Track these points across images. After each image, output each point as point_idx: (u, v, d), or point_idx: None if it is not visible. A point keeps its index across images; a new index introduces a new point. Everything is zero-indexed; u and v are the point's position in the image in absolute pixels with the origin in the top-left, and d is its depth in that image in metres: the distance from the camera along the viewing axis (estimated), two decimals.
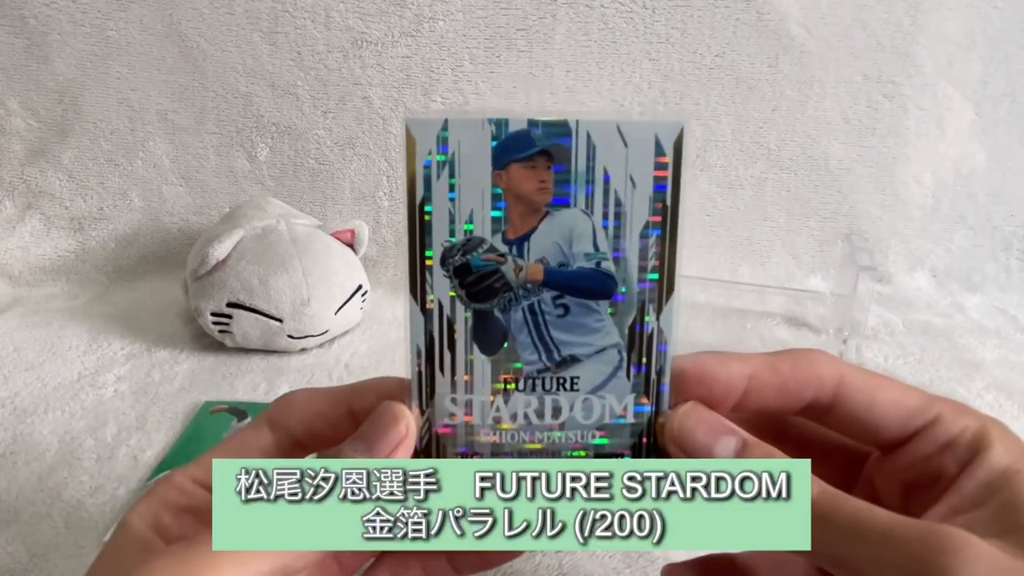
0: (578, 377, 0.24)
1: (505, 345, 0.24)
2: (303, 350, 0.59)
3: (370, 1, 0.70)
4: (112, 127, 0.73)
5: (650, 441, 0.24)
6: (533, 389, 0.24)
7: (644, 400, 0.24)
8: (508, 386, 0.24)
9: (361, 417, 0.24)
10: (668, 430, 0.23)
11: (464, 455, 0.24)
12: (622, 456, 0.24)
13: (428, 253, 0.23)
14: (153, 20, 0.70)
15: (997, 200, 0.77)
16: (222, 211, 0.72)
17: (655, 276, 0.23)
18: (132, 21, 0.70)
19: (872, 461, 0.26)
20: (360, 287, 0.61)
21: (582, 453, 0.25)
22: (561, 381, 0.24)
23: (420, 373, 0.24)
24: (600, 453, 0.24)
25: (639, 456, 0.24)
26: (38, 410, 0.49)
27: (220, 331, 0.57)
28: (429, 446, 0.24)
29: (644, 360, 0.24)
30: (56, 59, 0.71)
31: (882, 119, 0.74)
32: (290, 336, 0.56)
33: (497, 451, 0.24)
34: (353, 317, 0.61)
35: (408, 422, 0.23)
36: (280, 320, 0.56)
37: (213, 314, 0.56)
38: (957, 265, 0.77)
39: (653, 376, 0.24)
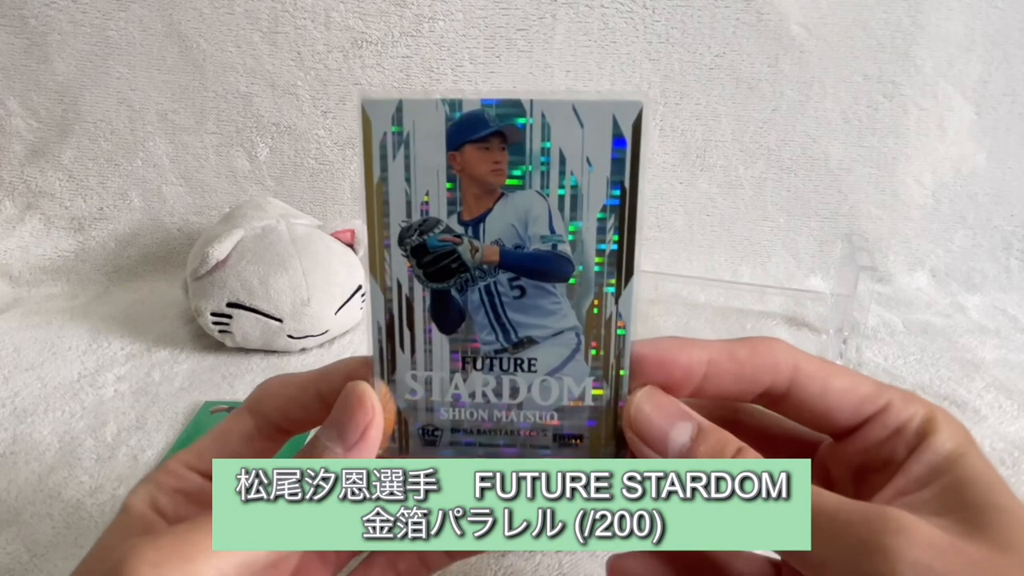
0: (535, 359, 0.24)
1: (463, 325, 0.24)
2: (303, 350, 0.59)
3: (370, 1, 0.70)
4: (112, 127, 0.73)
5: (612, 425, 0.24)
6: (491, 369, 0.24)
7: (603, 383, 0.24)
8: (466, 364, 0.24)
9: (329, 399, 0.25)
10: (625, 414, 0.24)
11: (424, 431, 0.25)
12: (580, 437, 0.25)
13: (385, 232, 0.23)
14: (153, 20, 0.70)
15: (997, 200, 0.77)
16: (222, 211, 0.72)
17: (614, 260, 0.23)
18: (132, 21, 0.70)
19: (825, 448, 0.26)
20: (360, 287, 0.61)
21: (542, 434, 0.25)
22: (518, 362, 0.24)
23: (382, 351, 0.24)
24: (558, 434, 0.25)
25: (596, 439, 0.25)
26: (38, 410, 0.49)
27: (220, 331, 0.57)
28: (392, 418, 0.25)
29: (603, 344, 0.24)
30: (56, 59, 0.71)
31: (882, 119, 0.74)
32: (290, 336, 0.56)
33: (457, 427, 0.25)
34: (353, 317, 0.61)
35: (373, 401, 0.23)
36: (280, 320, 0.56)
37: (213, 314, 0.56)
38: (957, 265, 0.77)
39: (612, 360, 0.24)
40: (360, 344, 0.60)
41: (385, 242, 0.23)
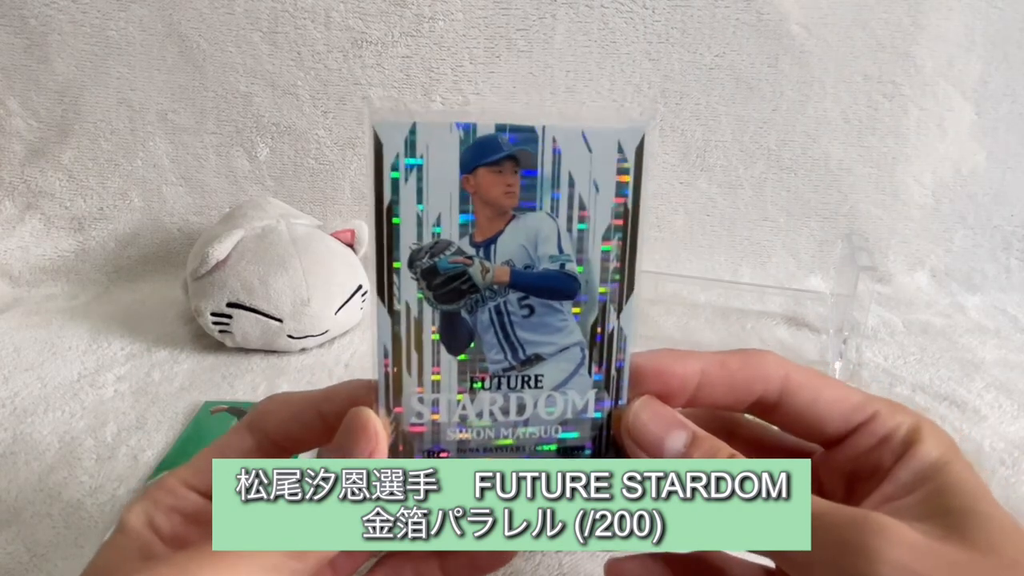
0: (542, 375, 0.24)
1: (471, 345, 0.24)
2: (303, 350, 0.59)
3: (370, 1, 0.70)
4: (112, 127, 0.73)
5: (610, 434, 0.25)
6: (499, 387, 0.24)
7: (605, 395, 0.25)
8: (474, 385, 0.24)
9: (330, 420, 0.25)
10: (623, 423, 0.25)
11: (431, 453, 0.25)
12: (584, 448, 0.25)
13: (395, 255, 0.23)
14: (153, 20, 0.70)
15: (997, 200, 0.77)
16: (222, 211, 0.72)
17: (616, 277, 0.24)
18: (132, 21, 0.70)
19: (817, 458, 0.27)
20: (360, 287, 0.61)
21: (548, 447, 0.25)
22: (526, 379, 0.24)
23: (387, 374, 0.24)
24: (564, 447, 0.25)
25: (599, 449, 0.25)
26: (38, 410, 0.49)
27: (220, 331, 0.57)
28: (397, 444, 0.24)
29: (605, 357, 0.24)
30: (56, 59, 0.71)
31: (882, 119, 0.74)
32: (290, 336, 0.56)
33: (464, 447, 0.25)
34: (353, 317, 0.61)
35: (376, 428, 0.23)
36: (280, 320, 0.56)
37: (213, 314, 0.56)
38: (957, 265, 0.77)
39: (613, 372, 0.25)
40: (360, 343, 0.60)
41: (395, 265, 0.23)
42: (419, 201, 0.22)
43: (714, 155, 0.75)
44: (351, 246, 0.64)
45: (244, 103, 0.73)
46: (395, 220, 0.22)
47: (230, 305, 0.56)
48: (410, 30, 0.71)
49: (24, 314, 0.66)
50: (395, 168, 0.22)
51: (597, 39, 0.71)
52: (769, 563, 0.28)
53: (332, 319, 0.58)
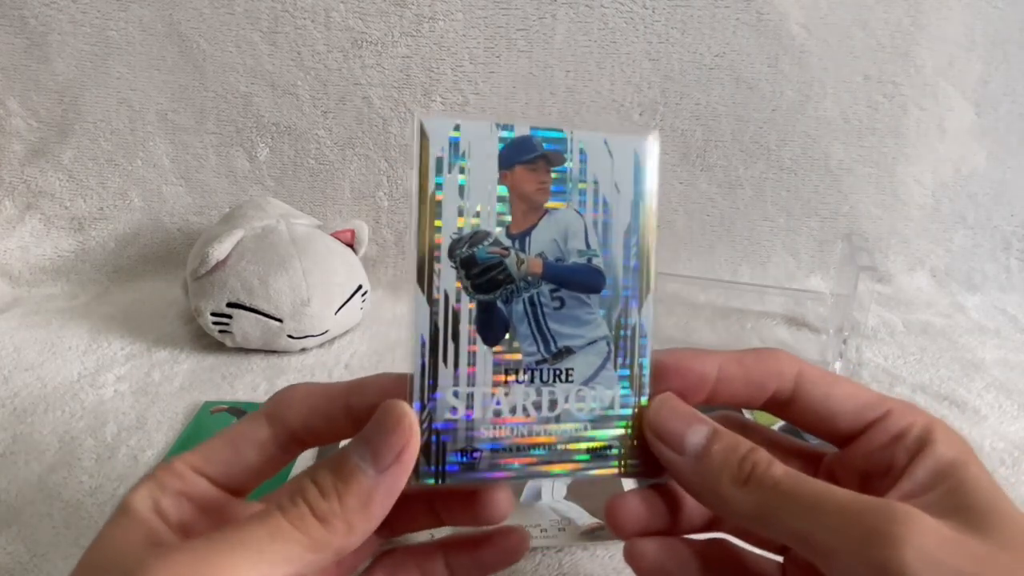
0: (572, 368, 0.25)
1: (507, 336, 0.25)
2: (303, 350, 0.59)
3: (370, 1, 0.70)
4: (112, 127, 0.73)
5: (636, 432, 0.26)
6: (531, 381, 0.25)
7: (630, 391, 0.26)
8: (508, 377, 0.25)
9: (358, 413, 0.24)
10: (645, 419, 0.25)
11: (464, 452, 0.24)
12: (612, 447, 0.26)
13: (436, 245, 0.24)
14: (153, 20, 0.70)
15: (997, 200, 0.77)
16: (222, 211, 0.72)
17: (636, 274, 0.25)
18: (132, 21, 0.70)
19: (831, 457, 0.28)
20: (360, 287, 0.61)
21: (578, 445, 0.25)
22: (557, 372, 0.25)
23: (424, 364, 0.24)
24: (593, 448, 0.26)
25: (627, 447, 0.26)
26: (38, 410, 0.49)
27: (220, 331, 0.57)
28: (429, 443, 0.24)
29: (628, 352, 0.25)
30: (56, 59, 0.71)
31: (882, 119, 0.74)
32: (290, 336, 0.56)
33: (497, 446, 0.25)
34: (353, 317, 0.61)
35: (412, 422, 0.22)
36: (280, 320, 0.56)
37: (213, 314, 0.56)
38: (957, 265, 0.77)
39: (636, 369, 0.26)
40: (360, 343, 0.60)
41: (436, 254, 0.24)
42: (460, 194, 0.24)
43: (714, 155, 0.75)
44: (351, 246, 0.64)
45: (244, 103, 0.73)
46: (437, 211, 0.24)
47: (230, 305, 0.56)
48: (410, 30, 0.71)
49: (24, 314, 0.66)
50: (439, 161, 0.24)
51: (597, 39, 0.71)
52: (778, 558, 0.28)
53: (332, 319, 0.58)
